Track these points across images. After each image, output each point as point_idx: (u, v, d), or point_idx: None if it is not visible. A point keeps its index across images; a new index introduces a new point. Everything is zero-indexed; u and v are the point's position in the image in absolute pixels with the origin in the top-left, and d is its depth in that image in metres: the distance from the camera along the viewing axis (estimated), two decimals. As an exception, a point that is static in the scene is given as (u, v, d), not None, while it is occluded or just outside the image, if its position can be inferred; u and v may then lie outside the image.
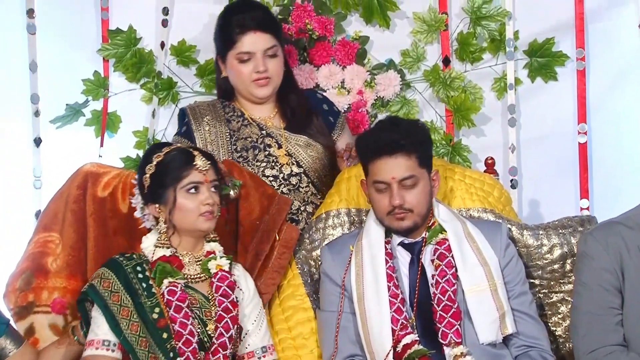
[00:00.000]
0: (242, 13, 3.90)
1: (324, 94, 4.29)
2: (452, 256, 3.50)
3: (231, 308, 3.42)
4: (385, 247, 3.54)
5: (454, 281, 3.48)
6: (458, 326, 3.44)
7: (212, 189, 3.43)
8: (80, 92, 4.39)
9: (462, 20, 4.45)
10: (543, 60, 4.43)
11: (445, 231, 3.55)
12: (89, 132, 4.42)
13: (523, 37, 4.43)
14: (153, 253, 3.43)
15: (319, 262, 3.71)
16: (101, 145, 4.39)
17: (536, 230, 3.74)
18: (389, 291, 3.48)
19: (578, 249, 3.54)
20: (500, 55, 4.44)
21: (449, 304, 3.45)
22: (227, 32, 3.91)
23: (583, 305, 3.41)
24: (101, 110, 4.40)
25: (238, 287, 3.48)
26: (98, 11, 4.42)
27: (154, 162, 3.42)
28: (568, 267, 3.72)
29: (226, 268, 3.46)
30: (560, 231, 3.75)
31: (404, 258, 3.56)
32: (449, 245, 3.52)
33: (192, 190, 3.40)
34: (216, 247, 3.50)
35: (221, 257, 3.47)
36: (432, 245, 3.54)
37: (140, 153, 4.31)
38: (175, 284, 3.38)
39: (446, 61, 4.43)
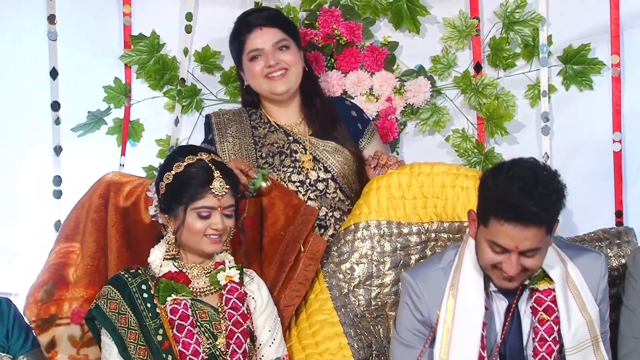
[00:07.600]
0: (247, 16, 3.95)
1: (352, 101, 4.23)
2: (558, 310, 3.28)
3: (242, 321, 3.36)
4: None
5: (558, 339, 3.27)
6: None
7: (226, 214, 3.37)
8: (102, 100, 4.34)
9: (494, 25, 4.37)
10: (578, 67, 4.34)
11: (551, 279, 3.30)
12: (110, 141, 4.37)
13: (557, 43, 4.35)
14: (160, 267, 3.38)
15: (348, 276, 3.64)
16: (122, 154, 4.33)
17: (571, 243, 3.64)
18: (480, 344, 3.25)
19: (627, 266, 3.50)
20: (534, 62, 4.36)
21: None
22: (236, 38, 3.94)
23: (623, 328, 3.40)
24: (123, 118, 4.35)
25: (250, 297, 3.42)
26: (120, 17, 4.37)
27: (173, 172, 3.36)
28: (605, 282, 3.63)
29: (236, 279, 3.41)
30: (596, 244, 3.72)
31: (499, 304, 3.33)
32: (554, 296, 3.28)
33: (203, 214, 3.35)
34: (226, 257, 3.46)
35: (230, 268, 3.42)
36: (532, 293, 3.29)
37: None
38: (179, 301, 3.34)
39: (477, 68, 4.35)
